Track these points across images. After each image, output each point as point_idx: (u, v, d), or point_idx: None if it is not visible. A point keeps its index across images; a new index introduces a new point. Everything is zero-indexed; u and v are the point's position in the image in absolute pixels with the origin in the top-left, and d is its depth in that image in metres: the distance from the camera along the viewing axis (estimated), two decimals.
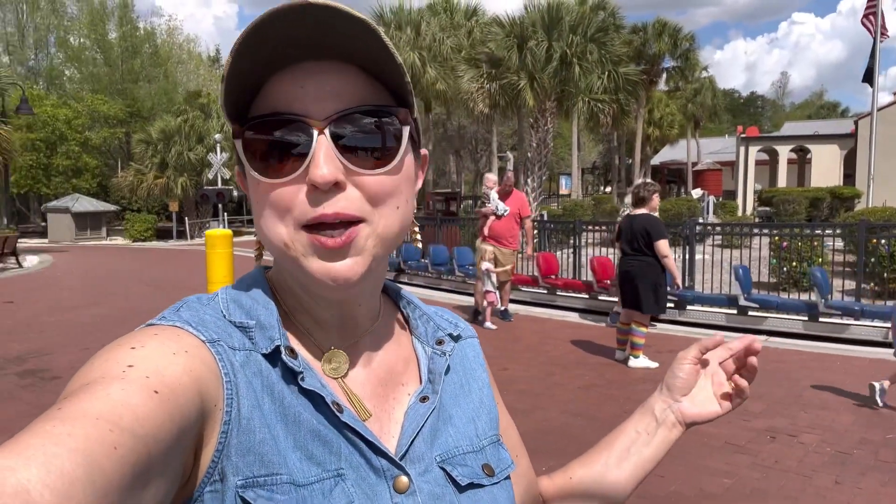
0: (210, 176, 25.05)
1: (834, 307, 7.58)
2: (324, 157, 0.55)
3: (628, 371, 5.89)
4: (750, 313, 8.12)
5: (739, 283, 8.09)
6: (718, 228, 13.14)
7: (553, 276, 10.10)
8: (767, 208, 24.82)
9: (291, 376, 0.58)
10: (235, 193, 26.47)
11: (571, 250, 11.08)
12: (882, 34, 18.66)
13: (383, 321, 0.70)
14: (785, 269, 9.86)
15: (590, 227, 11.95)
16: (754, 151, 29.24)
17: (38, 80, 37.39)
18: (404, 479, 0.60)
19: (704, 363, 0.81)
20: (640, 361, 5.96)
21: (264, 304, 0.62)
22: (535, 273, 10.09)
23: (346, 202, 0.56)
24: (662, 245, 5.81)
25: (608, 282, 9.04)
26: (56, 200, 28.21)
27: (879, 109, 21.19)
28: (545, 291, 10.06)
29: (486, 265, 7.66)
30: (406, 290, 0.77)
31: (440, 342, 0.72)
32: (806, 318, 7.71)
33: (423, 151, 0.69)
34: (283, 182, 0.56)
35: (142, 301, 10.24)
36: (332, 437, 0.58)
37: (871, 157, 18.72)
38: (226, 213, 24.94)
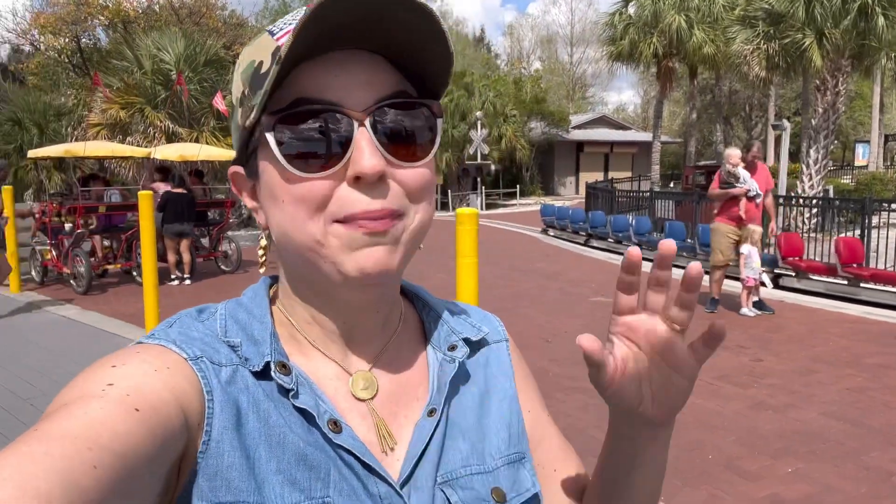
0: (471, 151, 26.62)
1: None
2: (368, 148, 0.53)
3: None
4: None
5: None
6: None
7: (856, 265, 8.47)
8: None
9: (284, 393, 0.56)
10: (493, 168, 27.84)
11: (860, 233, 9.60)
12: None
13: (402, 330, 0.66)
14: None
15: (885, 207, 10.21)
16: None
17: None
18: None
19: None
20: None
21: (260, 319, 0.60)
22: (833, 260, 8.55)
23: (391, 196, 0.55)
24: None
25: None
26: None
27: None
28: (845, 282, 8.47)
29: (747, 248, 7.04)
30: (422, 288, 0.72)
31: (452, 347, 0.66)
32: None
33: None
34: (319, 177, 0.53)
35: (412, 264, 11.46)
36: (322, 461, 0.55)
37: None
38: (483, 187, 26.42)
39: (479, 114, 26.63)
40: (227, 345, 0.57)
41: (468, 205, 26.45)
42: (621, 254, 12.63)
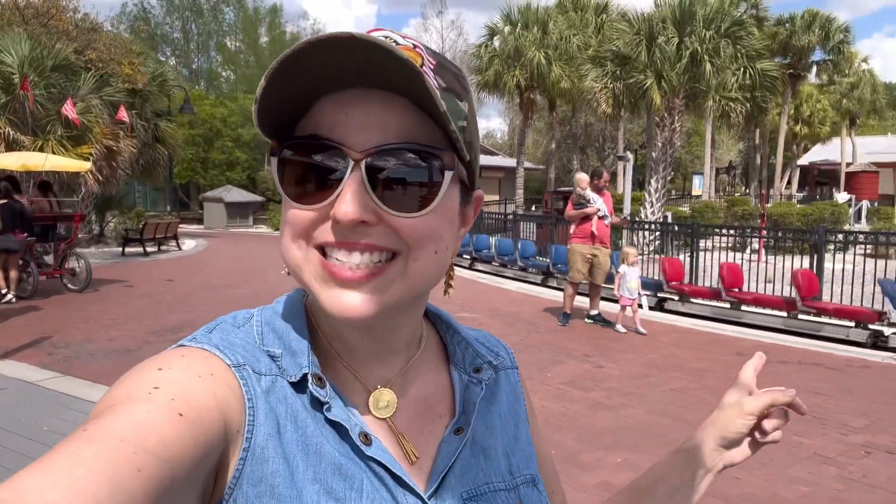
0: None
1: None
2: (352, 193, 0.52)
3: (730, 379, 5.81)
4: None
5: (890, 299, 7.54)
6: (862, 237, 12.05)
7: (737, 290, 8.97)
8: None
9: (318, 406, 0.57)
10: None
11: (691, 254, 10.81)
12: None
13: (426, 350, 0.68)
14: None
15: (716, 232, 11.68)
16: None
17: (199, 81, 41.56)
18: None
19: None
20: None
21: (298, 329, 0.61)
22: (718, 285, 9.10)
23: (378, 235, 0.54)
24: None
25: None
26: (211, 191, 31.17)
27: None
28: (728, 306, 9.03)
29: (623, 268, 7.69)
30: (447, 312, 0.74)
31: (478, 370, 0.70)
32: None
33: (477, 193, 0.65)
34: (307, 209, 0.55)
35: (278, 284, 11.25)
36: (355, 472, 0.56)
37: None
38: None
39: None
40: (267, 354, 0.58)
41: None
42: (504, 276, 12.92)
